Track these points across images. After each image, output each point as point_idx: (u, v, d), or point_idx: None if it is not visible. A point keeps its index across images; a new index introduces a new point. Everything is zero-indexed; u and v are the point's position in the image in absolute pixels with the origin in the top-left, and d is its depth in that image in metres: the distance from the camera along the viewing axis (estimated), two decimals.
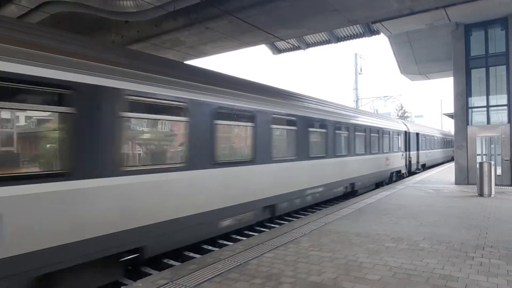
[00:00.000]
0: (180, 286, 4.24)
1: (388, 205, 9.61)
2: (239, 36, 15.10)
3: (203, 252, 6.64)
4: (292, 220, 9.18)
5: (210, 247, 6.94)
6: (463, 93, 14.48)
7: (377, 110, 38.87)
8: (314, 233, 6.72)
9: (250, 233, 8.17)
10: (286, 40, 17.09)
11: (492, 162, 11.59)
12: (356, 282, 4.26)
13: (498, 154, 13.96)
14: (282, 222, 9.26)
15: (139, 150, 5.64)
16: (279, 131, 8.88)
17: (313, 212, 10.42)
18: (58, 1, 12.63)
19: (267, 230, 8.16)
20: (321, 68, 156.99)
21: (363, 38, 16.55)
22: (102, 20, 13.50)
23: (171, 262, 6.06)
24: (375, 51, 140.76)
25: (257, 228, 8.53)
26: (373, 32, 15.95)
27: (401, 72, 22.84)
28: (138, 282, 4.49)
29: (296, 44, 18.16)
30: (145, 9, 12.10)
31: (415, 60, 20.13)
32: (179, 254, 6.41)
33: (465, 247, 5.65)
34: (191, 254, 6.47)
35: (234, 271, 4.73)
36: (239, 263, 5.02)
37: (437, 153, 29.31)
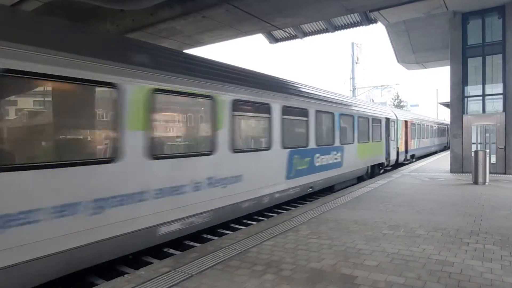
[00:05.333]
0: (183, 273, 4.32)
1: (385, 193, 9.74)
2: (236, 25, 14.95)
3: (203, 241, 6.72)
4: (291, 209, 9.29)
5: (209, 236, 7.03)
6: (460, 82, 14.53)
7: (373, 100, 38.22)
8: (312, 221, 6.82)
9: (249, 222, 8.28)
10: (283, 29, 16.95)
11: (487, 151, 11.74)
12: (355, 268, 4.36)
13: (493, 143, 14.12)
14: (280, 211, 9.37)
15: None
16: None
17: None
18: None
19: (266, 219, 8.25)
20: (318, 57, 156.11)
21: (361, 27, 16.44)
22: (97, 8, 13.27)
23: (171, 251, 6.14)
24: (372, 40, 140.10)
25: (256, 217, 8.63)
26: (371, 21, 15.84)
27: (398, 61, 22.85)
28: (140, 271, 4.55)
29: (293, 33, 18.02)
30: None
31: (412, 49, 20.11)
32: (179, 244, 6.49)
33: (461, 233, 5.77)
34: (191, 243, 6.56)
35: (235, 258, 4.81)
36: (239, 251, 5.11)
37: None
